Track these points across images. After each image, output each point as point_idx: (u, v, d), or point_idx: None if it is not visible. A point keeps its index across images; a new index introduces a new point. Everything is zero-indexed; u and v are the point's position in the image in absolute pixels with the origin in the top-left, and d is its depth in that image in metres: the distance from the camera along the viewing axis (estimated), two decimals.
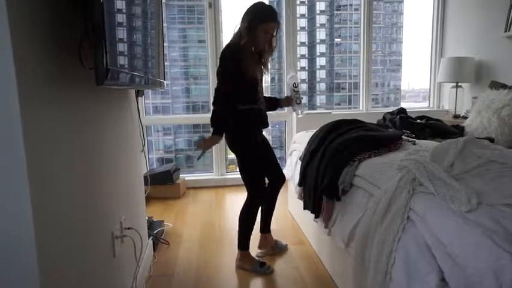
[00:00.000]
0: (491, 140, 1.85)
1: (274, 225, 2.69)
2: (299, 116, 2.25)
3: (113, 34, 1.02)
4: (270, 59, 2.01)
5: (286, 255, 2.23)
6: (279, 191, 2.26)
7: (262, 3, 1.87)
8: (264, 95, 2.10)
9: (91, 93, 1.20)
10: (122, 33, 1.13)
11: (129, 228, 1.59)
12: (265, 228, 2.29)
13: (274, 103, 2.20)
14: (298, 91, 2.17)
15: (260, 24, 1.80)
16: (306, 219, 2.40)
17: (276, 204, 3.10)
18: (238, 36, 1.85)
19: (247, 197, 2.08)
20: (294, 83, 2.17)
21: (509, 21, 2.91)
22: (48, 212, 0.86)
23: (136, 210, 1.88)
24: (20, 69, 0.75)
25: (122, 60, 1.12)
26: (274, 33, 1.88)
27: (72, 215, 1.02)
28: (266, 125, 2.07)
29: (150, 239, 2.21)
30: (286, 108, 3.81)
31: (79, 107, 1.11)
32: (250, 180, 2.04)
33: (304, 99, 6.95)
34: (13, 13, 0.73)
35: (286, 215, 2.92)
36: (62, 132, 0.97)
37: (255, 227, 2.11)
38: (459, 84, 3.40)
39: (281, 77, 3.98)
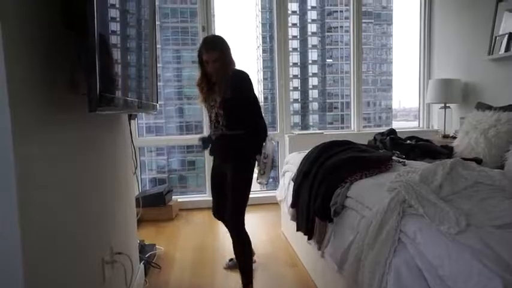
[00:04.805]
0: (479, 161, 1.88)
1: (267, 247, 2.67)
2: (258, 181, 2.02)
3: (106, 60, 1.03)
4: (226, 84, 1.88)
5: (280, 278, 2.20)
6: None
7: (205, 37, 2.03)
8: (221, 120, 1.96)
9: (82, 116, 1.21)
10: (115, 57, 1.15)
11: (119, 253, 1.56)
12: None
13: None
14: (265, 162, 1.95)
15: (201, 56, 1.94)
16: (299, 241, 2.38)
17: (269, 226, 3.10)
18: None
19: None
20: (264, 152, 1.95)
21: (493, 44, 3.02)
22: (37, 235, 0.85)
23: (127, 234, 1.86)
24: (12, 94, 0.75)
25: (115, 87, 1.13)
26: (213, 60, 1.89)
27: (61, 239, 1.01)
28: (215, 153, 2.10)
29: (141, 263, 2.17)
30: (279, 129, 3.87)
31: (70, 131, 1.12)
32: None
33: (297, 119, 7.01)
34: (7, 37, 0.74)
35: (279, 236, 2.89)
36: (52, 156, 0.97)
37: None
38: (447, 105, 3.48)
39: (274, 97, 4.04)
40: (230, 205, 1.94)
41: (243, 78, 1.92)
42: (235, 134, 1.94)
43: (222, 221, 2.23)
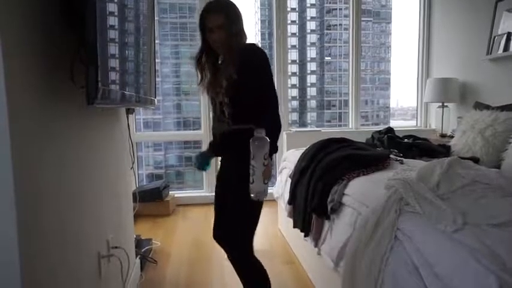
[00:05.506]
0: (477, 160, 1.89)
1: (264, 244, 2.68)
2: (252, 195, 1.32)
3: (105, 54, 1.03)
4: (231, 60, 1.39)
5: (277, 275, 2.20)
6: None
7: None
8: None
9: (80, 110, 1.20)
10: (114, 52, 1.14)
11: (116, 247, 1.56)
12: None
13: None
14: (253, 165, 1.28)
15: (203, 23, 1.44)
16: (296, 238, 2.39)
17: (266, 223, 3.11)
18: None
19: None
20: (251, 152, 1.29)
21: (491, 44, 3.02)
22: (33, 230, 0.85)
23: (124, 228, 1.86)
24: (10, 86, 0.75)
25: (114, 80, 1.13)
26: (217, 26, 1.40)
27: (58, 234, 1.01)
28: (217, 152, 1.61)
29: (137, 257, 2.17)
30: None
31: (68, 124, 1.11)
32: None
33: (295, 117, 7.02)
34: (5, 29, 0.74)
35: (276, 233, 2.90)
36: (49, 149, 0.96)
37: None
38: (445, 104, 3.48)
39: None
40: (233, 224, 1.51)
41: (257, 55, 1.41)
42: (242, 130, 1.37)
43: (222, 247, 1.65)
